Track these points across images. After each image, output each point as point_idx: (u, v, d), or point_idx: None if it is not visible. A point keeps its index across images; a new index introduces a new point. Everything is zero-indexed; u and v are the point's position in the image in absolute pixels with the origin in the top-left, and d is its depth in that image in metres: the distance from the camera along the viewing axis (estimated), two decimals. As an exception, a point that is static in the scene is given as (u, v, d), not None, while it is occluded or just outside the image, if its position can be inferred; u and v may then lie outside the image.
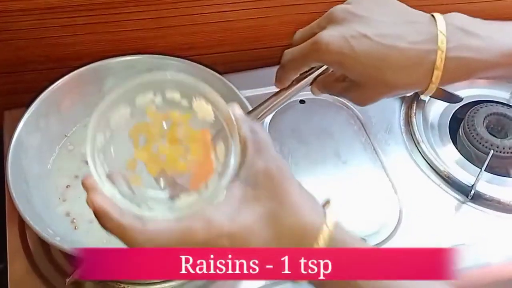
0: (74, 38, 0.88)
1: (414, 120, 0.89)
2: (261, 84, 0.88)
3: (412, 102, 0.91)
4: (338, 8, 0.54)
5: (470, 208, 0.80)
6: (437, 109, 0.93)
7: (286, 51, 0.56)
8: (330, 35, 0.52)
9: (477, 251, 0.76)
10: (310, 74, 0.60)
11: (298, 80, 0.59)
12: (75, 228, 0.72)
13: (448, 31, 0.51)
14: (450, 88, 0.92)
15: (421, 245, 0.76)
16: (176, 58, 0.80)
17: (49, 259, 0.72)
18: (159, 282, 0.71)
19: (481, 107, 0.90)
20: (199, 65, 0.80)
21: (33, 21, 0.84)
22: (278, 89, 0.60)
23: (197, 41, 0.94)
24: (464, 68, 0.51)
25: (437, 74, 0.51)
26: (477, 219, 0.79)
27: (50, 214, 0.71)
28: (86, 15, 0.85)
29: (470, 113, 0.89)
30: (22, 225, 0.75)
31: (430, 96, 0.92)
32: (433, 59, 0.50)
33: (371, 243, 0.76)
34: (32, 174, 0.72)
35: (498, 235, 0.78)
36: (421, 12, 0.54)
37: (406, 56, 0.51)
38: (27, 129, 0.73)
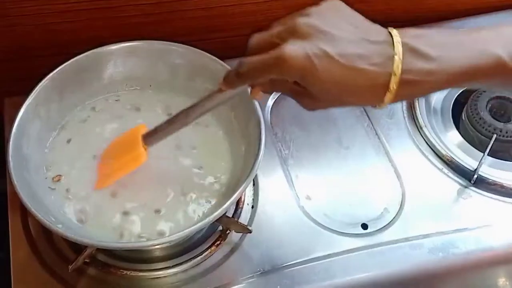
0: (74, 24, 0.88)
1: (416, 104, 0.88)
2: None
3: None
4: (301, 22, 0.53)
5: (473, 193, 0.80)
6: (440, 94, 0.92)
7: (244, 60, 0.55)
8: (294, 51, 0.51)
9: (479, 235, 0.76)
10: None
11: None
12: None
13: (403, 54, 0.51)
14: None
15: (424, 230, 0.76)
16: (176, 44, 0.80)
17: (52, 246, 0.73)
18: (161, 268, 0.71)
19: (484, 91, 0.89)
20: (199, 50, 0.79)
21: (32, 7, 0.84)
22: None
23: (198, 26, 0.94)
24: (416, 89, 0.52)
25: (390, 96, 0.52)
26: (480, 204, 0.79)
27: (52, 201, 0.71)
28: (85, 0, 0.84)
29: (473, 97, 0.89)
30: (24, 212, 0.75)
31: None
32: (387, 82, 0.51)
33: (374, 228, 0.76)
34: (33, 161, 0.72)
35: (501, 219, 0.78)
36: (380, 28, 0.54)
37: (363, 78, 0.51)
38: (28, 116, 0.72)
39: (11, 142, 0.69)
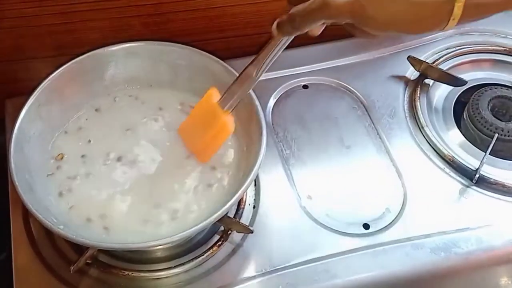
0: (75, 25, 0.88)
1: (418, 104, 0.88)
2: (263, 70, 0.88)
3: (416, 86, 0.91)
4: None
5: (475, 192, 0.80)
6: (441, 93, 0.92)
7: (295, 9, 0.55)
8: None
9: (481, 235, 0.76)
10: None
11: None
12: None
13: None
14: (454, 72, 0.92)
15: (426, 229, 0.75)
16: (177, 44, 0.80)
17: (53, 247, 0.73)
18: (163, 269, 0.71)
19: (485, 90, 0.89)
20: (200, 51, 0.79)
21: (33, 9, 0.84)
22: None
23: (199, 27, 0.94)
24: (479, 11, 0.51)
25: (453, 22, 0.51)
26: (482, 203, 0.79)
27: (53, 203, 0.71)
28: (86, 1, 0.85)
29: (474, 96, 0.89)
30: (26, 213, 0.75)
31: (435, 80, 0.92)
32: (451, 10, 0.50)
33: (375, 227, 0.76)
34: (34, 162, 0.72)
35: (503, 218, 0.78)
36: None
37: (425, 10, 0.51)
38: (29, 118, 0.73)
39: (12, 143, 0.69)
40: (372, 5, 0.50)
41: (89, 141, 0.76)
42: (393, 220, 0.77)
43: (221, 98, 0.70)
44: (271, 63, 0.65)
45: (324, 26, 0.59)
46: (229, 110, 0.69)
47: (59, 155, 0.74)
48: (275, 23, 0.59)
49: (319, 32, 0.60)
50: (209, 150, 0.73)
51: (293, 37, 0.61)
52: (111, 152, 0.75)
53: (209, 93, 0.72)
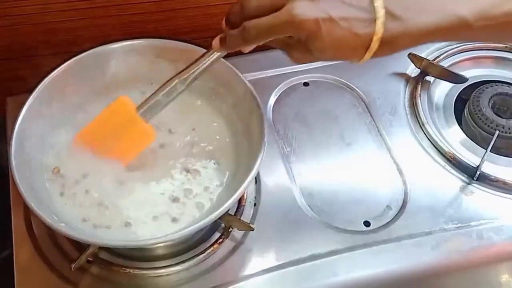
0: (76, 23, 0.88)
1: (419, 101, 0.88)
2: (264, 67, 0.88)
3: (417, 83, 0.91)
4: None
5: (475, 189, 0.80)
6: (442, 90, 0.92)
7: (250, 24, 0.56)
8: (304, 14, 0.54)
9: (482, 232, 0.76)
10: None
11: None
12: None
13: (385, 19, 0.55)
14: (455, 69, 0.92)
15: (427, 227, 0.76)
16: (178, 42, 0.80)
17: (55, 245, 0.73)
18: (164, 266, 0.71)
19: (486, 88, 0.89)
20: (201, 49, 0.79)
21: (34, 6, 0.84)
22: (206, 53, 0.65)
23: (200, 24, 0.94)
24: (390, 48, 0.56)
25: (369, 54, 0.56)
26: (483, 200, 0.79)
27: (55, 200, 0.71)
28: (87, -1, 0.85)
29: (475, 93, 0.89)
30: (27, 211, 0.75)
31: (435, 77, 0.91)
32: (368, 42, 0.55)
33: (376, 225, 0.76)
34: (35, 160, 0.72)
35: (504, 215, 0.78)
36: None
37: (355, 39, 0.55)
38: (30, 115, 0.72)
39: (13, 141, 0.69)
40: (327, 29, 0.55)
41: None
42: (394, 217, 0.77)
43: (142, 106, 0.69)
44: (200, 75, 0.66)
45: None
46: (149, 119, 0.69)
47: (55, 168, 0.74)
48: (218, 37, 0.61)
49: (249, 44, 0.61)
50: (126, 156, 0.72)
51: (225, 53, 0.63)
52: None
53: (122, 101, 0.71)
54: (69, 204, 0.70)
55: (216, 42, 0.62)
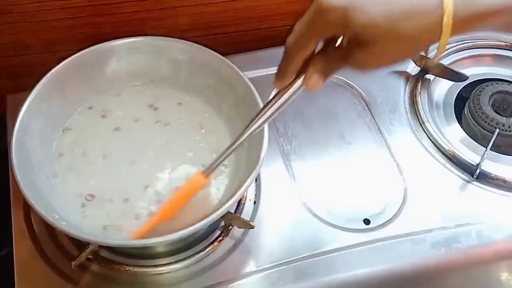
0: (76, 21, 0.88)
1: (419, 99, 0.88)
2: (265, 65, 0.88)
3: (417, 81, 0.91)
4: None
5: (475, 188, 0.80)
6: (442, 88, 0.92)
7: (288, 38, 0.53)
8: None
9: (482, 230, 0.76)
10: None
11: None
12: (81, 212, 0.71)
13: None
14: (455, 67, 0.92)
15: (426, 225, 0.76)
16: (178, 40, 0.80)
17: (55, 242, 0.73)
18: (164, 264, 0.71)
19: (486, 86, 0.89)
20: (202, 46, 0.79)
21: (33, 4, 0.84)
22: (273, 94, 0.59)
23: (200, 22, 0.94)
24: (474, 10, 0.49)
25: (448, 18, 0.48)
26: (482, 199, 0.79)
27: (56, 198, 0.71)
28: (86, -4, 0.85)
29: (475, 91, 0.89)
30: (27, 209, 0.75)
31: (436, 75, 0.91)
32: (441, 2, 0.48)
33: (376, 223, 0.76)
34: (36, 157, 0.72)
35: (504, 214, 0.78)
36: None
37: (414, 1, 0.49)
38: (30, 113, 0.72)
39: (14, 139, 0.69)
40: (367, 1, 0.49)
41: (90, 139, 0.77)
42: (393, 216, 0.77)
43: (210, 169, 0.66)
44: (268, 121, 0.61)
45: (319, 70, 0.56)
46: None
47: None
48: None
49: (317, 85, 0.56)
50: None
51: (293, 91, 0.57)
52: (112, 149, 0.75)
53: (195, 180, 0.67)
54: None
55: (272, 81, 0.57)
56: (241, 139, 0.63)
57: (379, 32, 0.49)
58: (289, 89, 0.57)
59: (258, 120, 0.61)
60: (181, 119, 0.79)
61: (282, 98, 0.58)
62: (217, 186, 0.73)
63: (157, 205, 0.70)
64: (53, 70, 0.76)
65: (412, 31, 0.49)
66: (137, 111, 0.80)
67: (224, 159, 0.65)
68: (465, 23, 0.50)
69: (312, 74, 0.55)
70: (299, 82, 0.56)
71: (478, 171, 0.80)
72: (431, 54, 0.93)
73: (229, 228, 0.74)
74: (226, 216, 0.72)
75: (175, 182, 0.72)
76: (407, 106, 0.89)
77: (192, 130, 0.78)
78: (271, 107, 0.59)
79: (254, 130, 0.62)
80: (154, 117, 0.79)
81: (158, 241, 0.67)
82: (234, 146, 0.64)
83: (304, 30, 0.52)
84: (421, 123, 0.86)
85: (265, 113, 0.60)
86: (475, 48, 0.96)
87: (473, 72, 0.93)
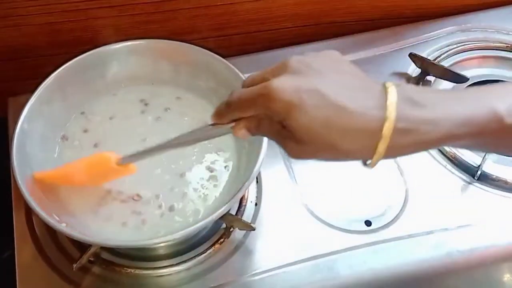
0: (77, 24, 0.88)
1: (420, 100, 0.88)
2: (264, 67, 0.88)
3: (418, 83, 0.91)
4: (294, 59, 0.52)
5: (477, 189, 0.80)
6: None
7: (234, 91, 0.54)
8: (282, 83, 0.49)
9: (483, 231, 0.76)
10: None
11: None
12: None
13: (398, 100, 0.48)
14: (456, 69, 0.92)
15: (427, 226, 0.76)
16: (179, 42, 0.80)
17: (56, 245, 0.73)
18: (165, 266, 0.71)
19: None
20: (202, 49, 0.79)
21: (36, 7, 0.84)
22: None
23: (200, 25, 0.94)
24: (412, 140, 0.49)
25: (383, 145, 0.48)
26: (484, 200, 0.79)
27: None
28: (88, 0, 0.85)
29: (476, 92, 0.88)
30: (29, 211, 0.75)
31: (436, 77, 0.91)
32: (380, 127, 0.48)
33: (377, 224, 0.76)
34: (37, 160, 0.72)
35: (505, 215, 0.78)
36: (375, 80, 0.51)
37: (354, 119, 0.48)
38: (31, 115, 0.73)
39: (15, 141, 0.69)
40: (312, 102, 0.48)
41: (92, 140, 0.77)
42: (395, 217, 0.77)
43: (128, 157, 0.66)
44: (197, 142, 0.62)
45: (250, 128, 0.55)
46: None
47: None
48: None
49: (244, 136, 0.55)
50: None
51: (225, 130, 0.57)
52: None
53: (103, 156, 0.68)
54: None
55: (212, 113, 0.57)
56: (162, 149, 0.63)
57: (315, 138, 0.49)
58: (222, 127, 0.57)
59: (187, 137, 0.61)
60: (182, 119, 0.79)
61: (213, 132, 0.58)
62: (217, 186, 0.73)
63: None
64: (54, 73, 0.76)
65: (347, 147, 0.49)
66: (137, 113, 0.80)
67: (145, 156, 0.64)
68: (402, 149, 0.50)
69: (241, 128, 0.55)
70: (230, 125, 0.56)
71: (479, 172, 0.80)
72: (431, 56, 0.94)
73: (230, 230, 0.74)
74: (227, 218, 0.73)
75: (176, 181, 0.73)
76: (408, 108, 0.89)
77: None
78: (201, 135, 0.60)
79: (178, 145, 0.61)
80: (154, 118, 0.79)
81: (158, 241, 0.67)
82: (155, 151, 0.63)
83: (247, 101, 0.52)
84: (422, 125, 0.86)
85: (194, 137, 0.60)
86: (476, 49, 0.96)
87: (474, 73, 0.93)
